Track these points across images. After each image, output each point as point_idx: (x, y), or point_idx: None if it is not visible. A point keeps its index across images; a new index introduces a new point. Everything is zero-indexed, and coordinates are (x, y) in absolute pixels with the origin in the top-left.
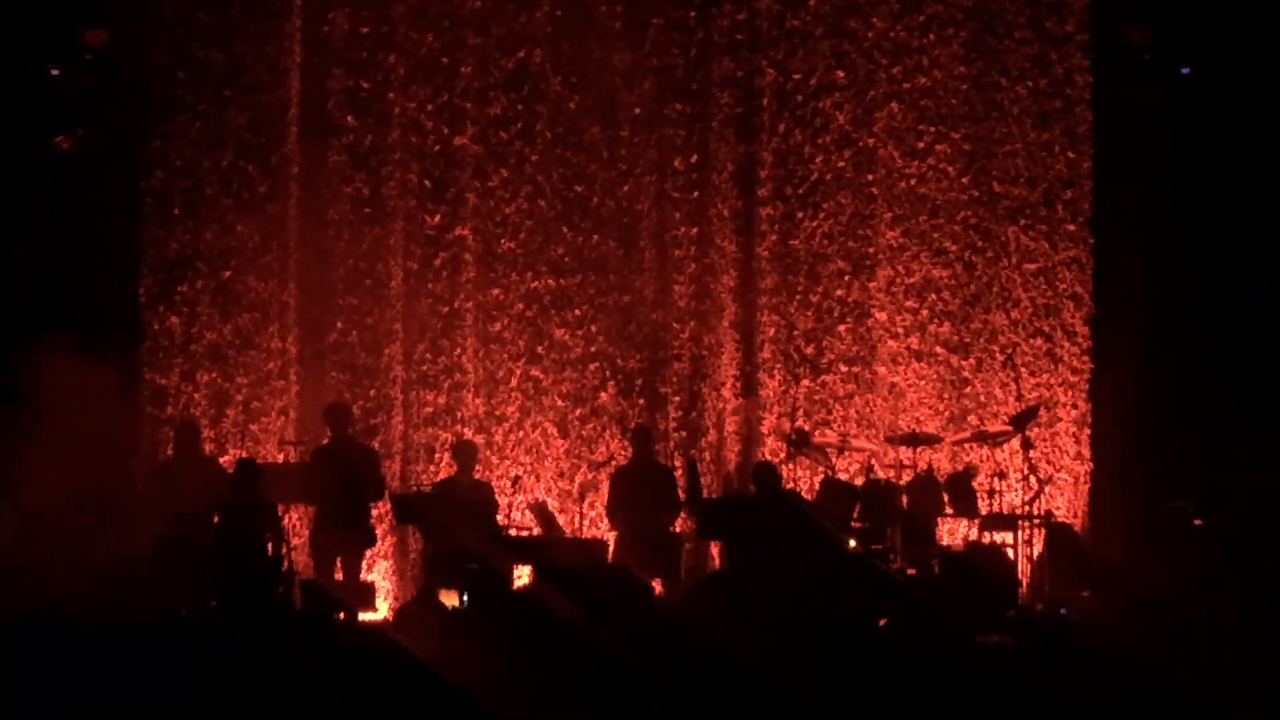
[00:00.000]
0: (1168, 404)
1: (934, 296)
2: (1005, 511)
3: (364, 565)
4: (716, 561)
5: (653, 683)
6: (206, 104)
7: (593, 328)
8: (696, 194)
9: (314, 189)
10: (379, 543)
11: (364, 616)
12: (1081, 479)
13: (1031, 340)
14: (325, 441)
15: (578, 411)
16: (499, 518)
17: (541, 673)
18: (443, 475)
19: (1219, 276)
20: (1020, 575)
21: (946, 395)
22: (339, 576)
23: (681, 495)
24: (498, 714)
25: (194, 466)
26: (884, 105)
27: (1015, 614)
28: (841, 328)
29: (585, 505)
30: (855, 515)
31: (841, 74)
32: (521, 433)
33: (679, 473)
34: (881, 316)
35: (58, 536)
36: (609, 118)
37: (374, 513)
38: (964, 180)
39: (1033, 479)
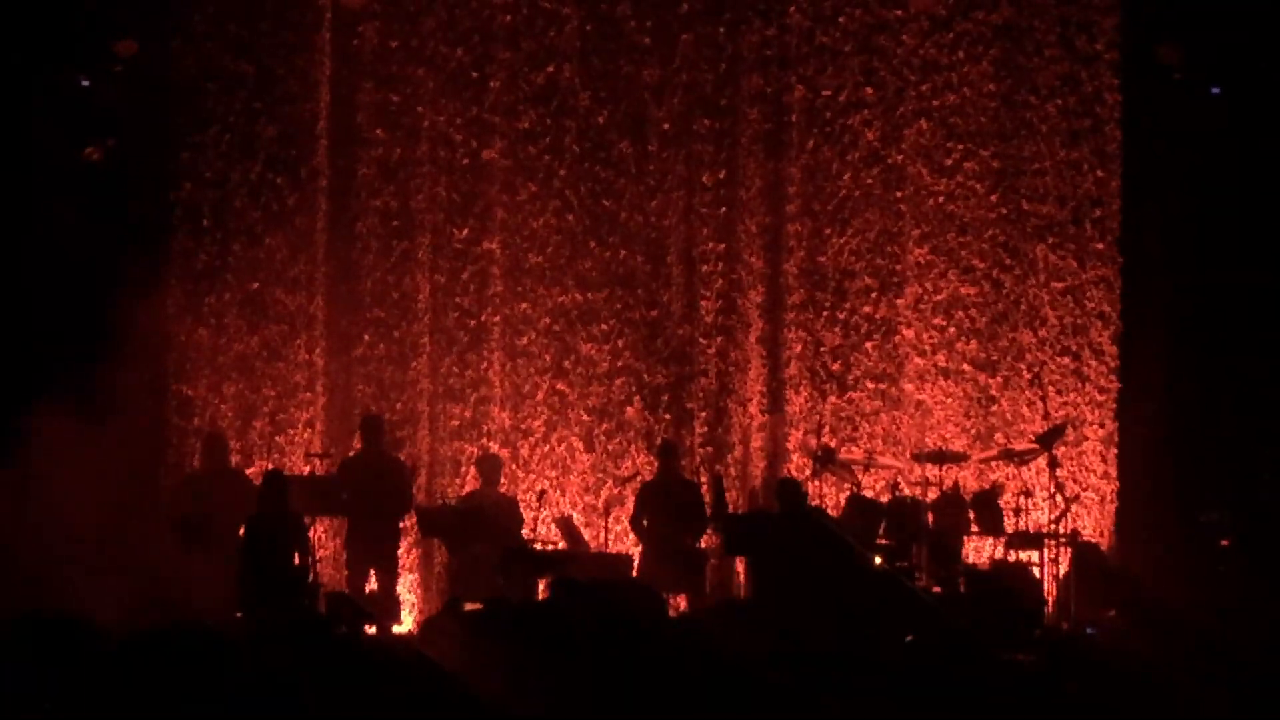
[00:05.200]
0: (1195, 424)
1: (961, 314)
2: (1031, 530)
3: (397, 577)
4: (742, 578)
5: (671, 698)
6: (236, 116)
7: (619, 343)
8: (724, 210)
9: (342, 202)
10: (404, 556)
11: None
12: (1108, 498)
13: (1059, 359)
14: (355, 453)
15: (603, 426)
16: (524, 532)
17: (564, 685)
18: (468, 489)
19: (1247, 297)
20: (1046, 594)
21: (973, 413)
22: (372, 588)
23: (707, 511)
24: None
25: (221, 478)
26: (913, 122)
27: (1041, 633)
28: (868, 344)
29: (610, 520)
30: (881, 533)
31: (871, 91)
32: (547, 447)
33: (704, 488)
34: (909, 334)
35: (86, 547)
36: (637, 133)
37: (401, 525)
38: (992, 198)
39: (1059, 498)
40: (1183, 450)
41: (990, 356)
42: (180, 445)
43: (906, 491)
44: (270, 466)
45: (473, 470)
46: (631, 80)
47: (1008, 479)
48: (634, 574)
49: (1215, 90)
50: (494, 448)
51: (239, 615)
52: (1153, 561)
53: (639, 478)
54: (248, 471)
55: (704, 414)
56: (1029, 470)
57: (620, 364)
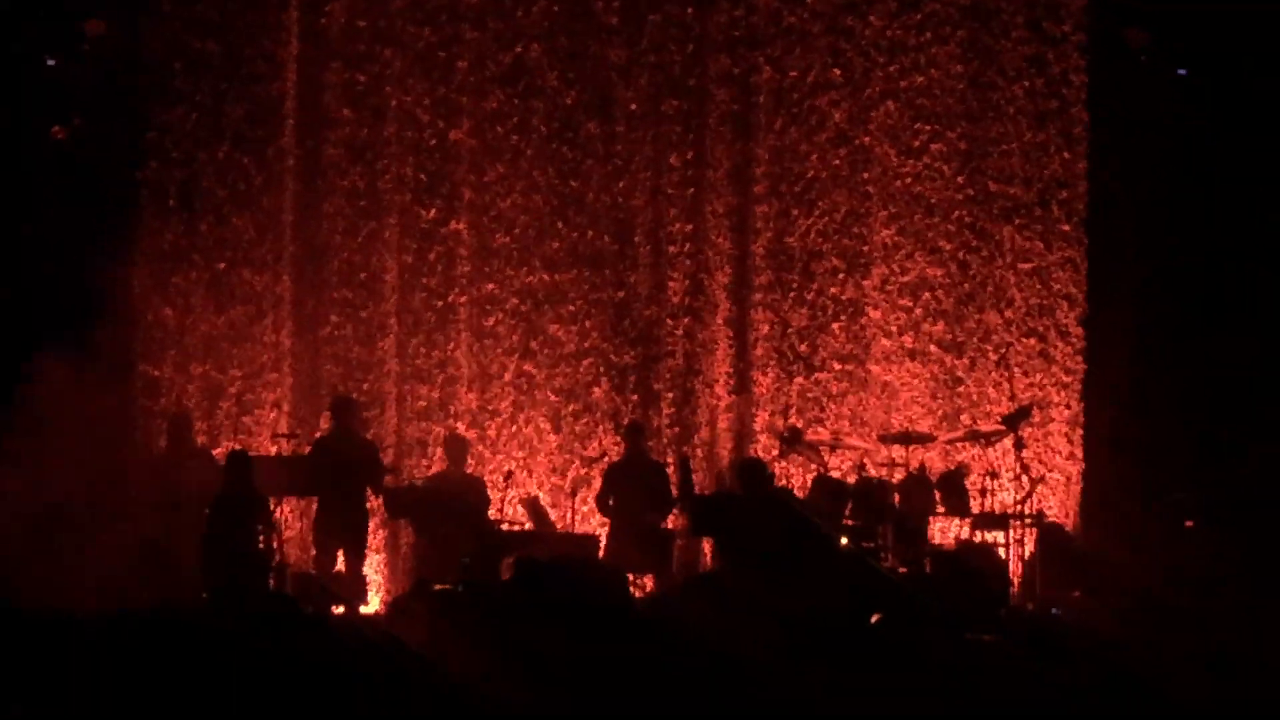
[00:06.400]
0: (1160, 405)
1: (928, 295)
2: (997, 511)
3: (365, 558)
4: (708, 558)
5: (635, 676)
6: (203, 96)
7: (586, 323)
8: (692, 190)
9: (309, 182)
10: (371, 537)
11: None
12: (1074, 479)
13: (1025, 340)
14: (324, 434)
15: (571, 407)
16: (491, 512)
17: (529, 664)
18: (435, 469)
19: (1213, 277)
20: (1012, 575)
21: (939, 394)
22: (339, 569)
23: (674, 492)
24: (492, 706)
25: (187, 458)
26: (880, 104)
27: (1006, 613)
28: (835, 326)
29: (577, 500)
30: (847, 513)
31: (838, 72)
32: (514, 427)
33: (671, 469)
34: (875, 315)
35: (54, 529)
36: (605, 113)
37: (368, 505)
38: (959, 179)
39: (1025, 479)
40: (1148, 432)
41: (957, 338)
42: (146, 426)
43: (873, 472)
44: (236, 447)
45: (440, 451)
46: (599, 61)
47: (974, 460)
48: (601, 554)
49: (1182, 73)
50: (461, 428)
51: (204, 596)
52: (1118, 542)
53: (606, 458)
54: (214, 452)
55: (671, 395)
56: (995, 451)
57: (587, 345)
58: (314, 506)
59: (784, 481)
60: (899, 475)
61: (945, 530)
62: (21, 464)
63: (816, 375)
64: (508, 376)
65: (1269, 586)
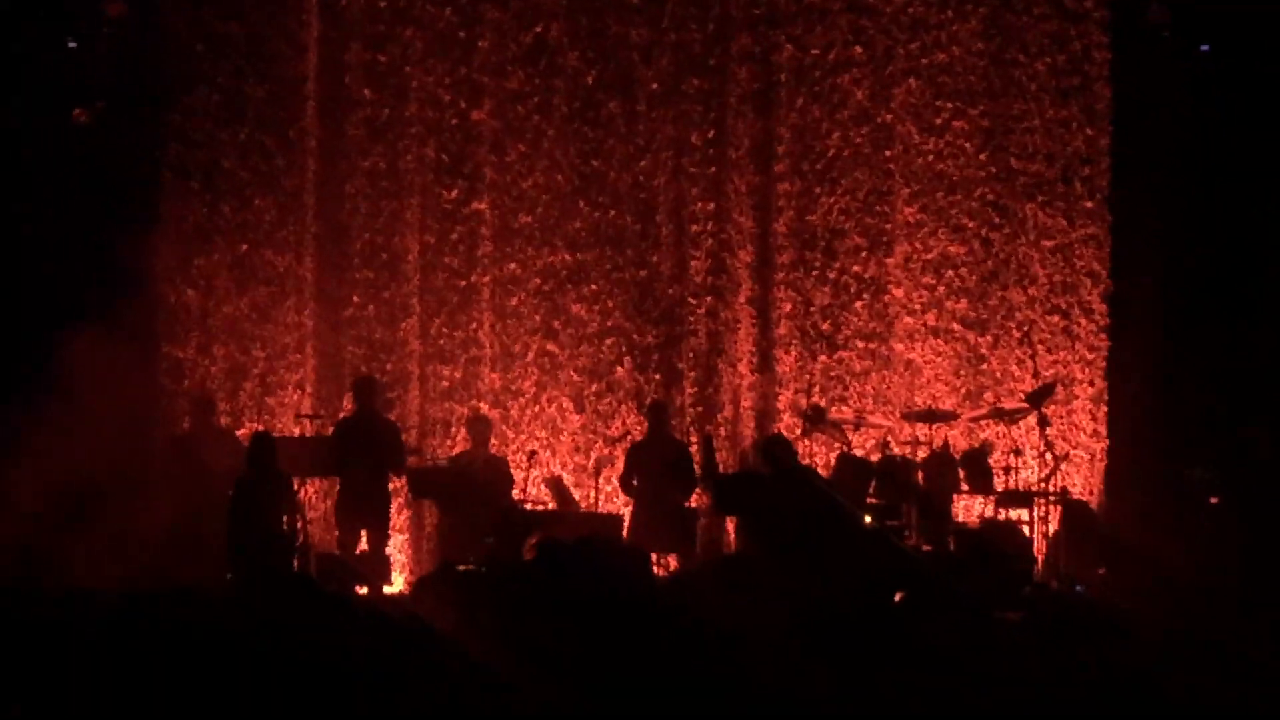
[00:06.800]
0: (1184, 381)
1: (951, 273)
2: (1021, 488)
3: (388, 538)
4: (732, 537)
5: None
6: (224, 77)
7: (609, 303)
8: (713, 169)
9: (331, 163)
10: (395, 517)
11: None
12: (1098, 456)
13: (1048, 317)
14: (348, 414)
15: (593, 387)
16: (514, 492)
17: (552, 646)
18: (458, 450)
19: (1236, 253)
20: (1036, 552)
21: (963, 372)
22: (363, 549)
23: (697, 471)
24: (517, 685)
25: (210, 439)
26: (902, 81)
27: (1030, 591)
28: (858, 304)
29: (601, 480)
30: (871, 491)
31: (860, 50)
32: (537, 407)
33: (694, 448)
34: (898, 293)
35: (78, 510)
36: (626, 93)
37: (391, 486)
38: (981, 157)
39: (1049, 456)
40: (1172, 408)
41: (980, 315)
42: (170, 407)
43: (896, 450)
44: (259, 428)
45: (463, 431)
46: (620, 40)
47: (997, 437)
48: (624, 534)
49: (1204, 48)
50: (484, 408)
51: (228, 577)
52: (1142, 519)
53: (629, 438)
54: (238, 433)
55: (694, 374)
56: (1019, 429)
57: (610, 324)
58: (337, 487)
59: (807, 460)
60: (923, 453)
61: (969, 508)
62: (46, 446)
63: (839, 353)
64: (530, 356)
65: None
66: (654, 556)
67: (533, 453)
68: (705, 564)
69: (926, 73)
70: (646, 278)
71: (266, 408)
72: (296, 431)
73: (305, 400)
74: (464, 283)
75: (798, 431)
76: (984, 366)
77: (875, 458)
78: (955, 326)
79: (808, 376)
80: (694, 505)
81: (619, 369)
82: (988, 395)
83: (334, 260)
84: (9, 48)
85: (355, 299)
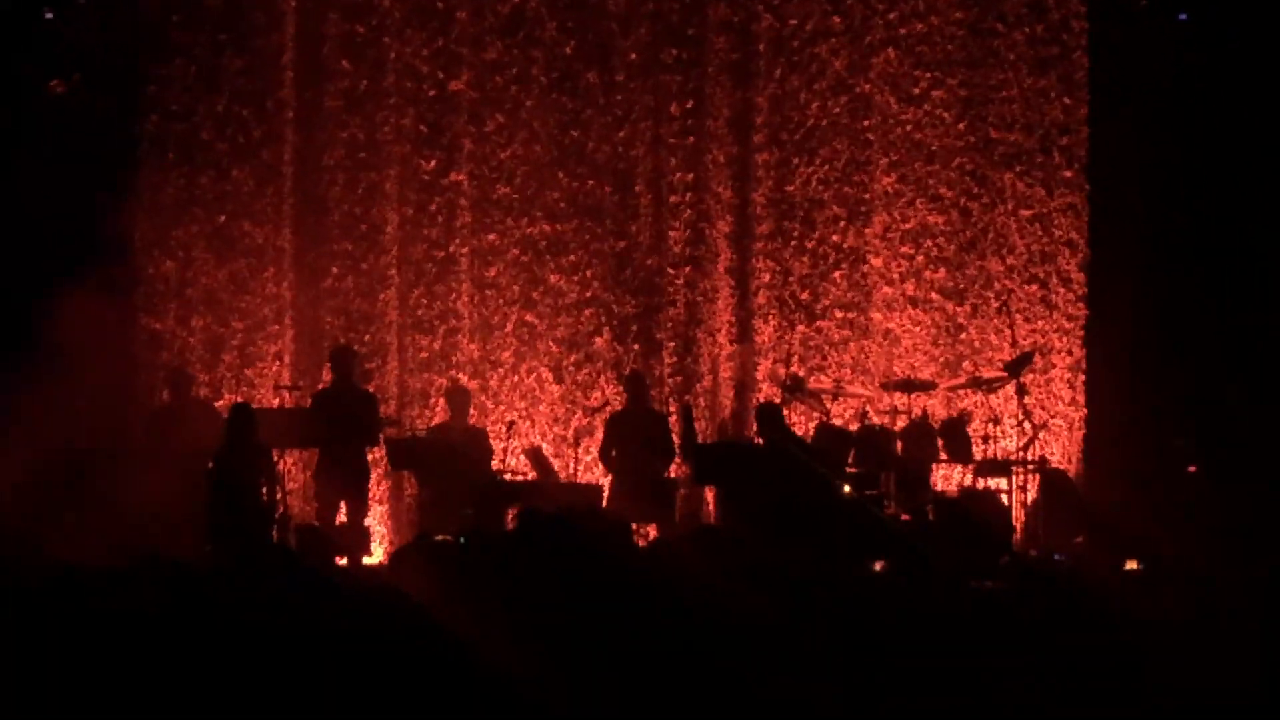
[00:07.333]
0: (1163, 350)
1: (929, 242)
2: (1000, 457)
3: (367, 509)
4: (711, 507)
5: (639, 626)
6: (202, 48)
7: (588, 273)
8: (692, 140)
9: (309, 134)
10: (374, 488)
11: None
12: (1076, 425)
13: (1027, 286)
14: (325, 385)
15: (572, 357)
16: (494, 463)
17: (532, 617)
18: (437, 420)
19: (1215, 222)
20: (1014, 521)
21: (941, 341)
22: (342, 520)
23: (676, 441)
24: (493, 658)
25: (189, 411)
26: (880, 51)
27: (1009, 560)
28: (837, 274)
29: (580, 450)
30: (850, 461)
31: (838, 20)
32: (516, 378)
33: (674, 418)
34: (877, 262)
35: (57, 481)
36: (605, 63)
37: (369, 457)
38: (960, 126)
39: (1027, 425)
40: (1150, 377)
41: (958, 285)
42: (148, 379)
43: (875, 420)
44: (238, 400)
45: (442, 402)
46: (598, 10)
47: (976, 407)
48: (604, 504)
49: (1182, 17)
50: (463, 379)
51: (208, 548)
52: (1120, 488)
53: (608, 408)
54: (216, 405)
55: (673, 344)
56: (997, 398)
57: (589, 295)
58: (316, 458)
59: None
60: (901, 423)
61: (948, 477)
62: (26, 419)
63: (818, 323)
64: (509, 327)
65: (1265, 531)
66: (634, 526)
67: (511, 423)
68: (685, 533)
69: (905, 42)
70: (625, 248)
71: (245, 379)
72: (275, 403)
73: (284, 371)
74: (442, 253)
75: (777, 401)
76: (962, 336)
77: (854, 427)
78: (934, 296)
79: (786, 346)
80: (673, 475)
81: (598, 339)
82: (966, 364)
83: (312, 231)
84: None
85: (334, 270)
